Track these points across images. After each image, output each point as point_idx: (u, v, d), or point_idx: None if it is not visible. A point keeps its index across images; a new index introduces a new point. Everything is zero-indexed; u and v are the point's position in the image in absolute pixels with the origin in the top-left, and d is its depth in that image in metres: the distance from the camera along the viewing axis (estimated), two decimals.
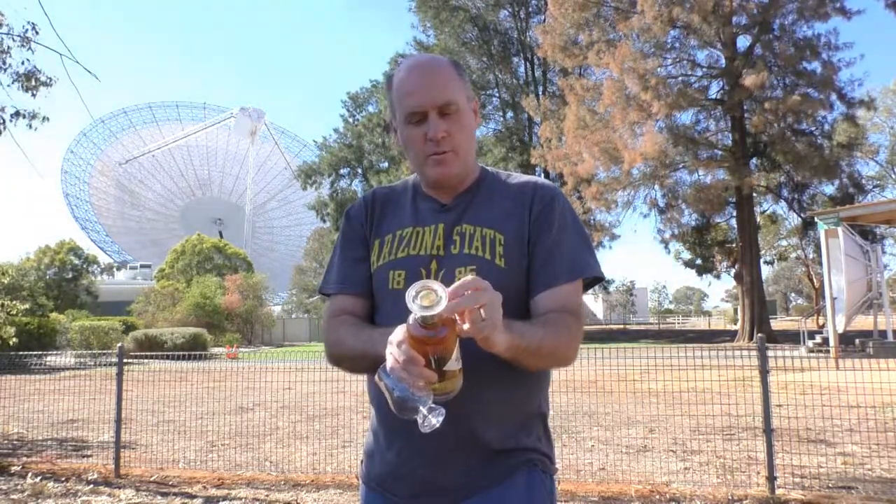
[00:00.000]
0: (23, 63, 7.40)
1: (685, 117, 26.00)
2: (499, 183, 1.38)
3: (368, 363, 1.18)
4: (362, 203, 1.43)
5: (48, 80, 7.43)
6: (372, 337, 1.19)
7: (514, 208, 1.32)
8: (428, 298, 0.98)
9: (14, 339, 16.11)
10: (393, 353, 1.03)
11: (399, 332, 1.03)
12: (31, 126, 7.45)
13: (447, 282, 1.24)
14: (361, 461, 1.39)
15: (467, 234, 1.29)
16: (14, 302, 18.87)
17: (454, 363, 1.06)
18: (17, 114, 7.39)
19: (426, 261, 1.29)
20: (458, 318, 1.02)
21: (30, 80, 7.36)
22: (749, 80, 21.15)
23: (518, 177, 1.40)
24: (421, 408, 1.00)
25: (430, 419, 1.00)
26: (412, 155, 1.32)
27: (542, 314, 1.24)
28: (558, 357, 1.22)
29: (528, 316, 1.26)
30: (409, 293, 0.99)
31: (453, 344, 1.04)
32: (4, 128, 7.36)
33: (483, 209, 1.33)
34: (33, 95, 7.44)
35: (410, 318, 1.00)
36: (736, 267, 26.76)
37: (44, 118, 7.50)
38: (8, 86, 7.33)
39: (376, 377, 1.05)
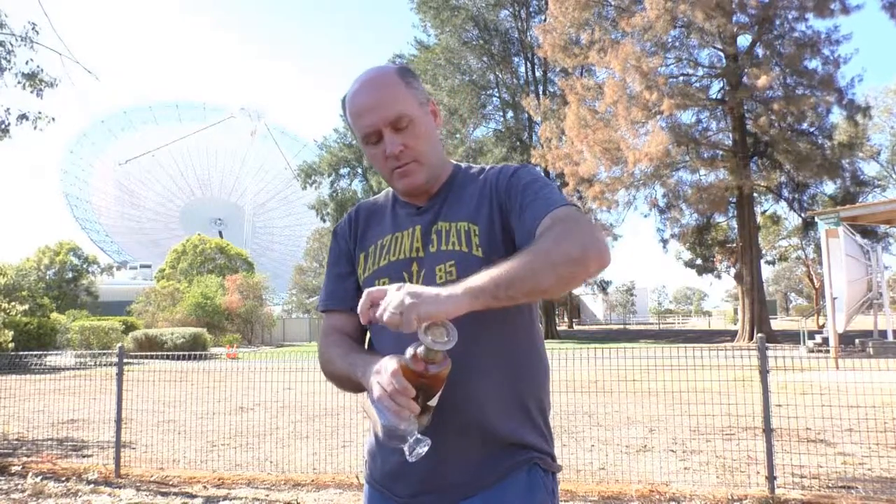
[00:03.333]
0: (27, 63, 7.40)
1: (686, 117, 26.05)
2: (469, 176, 1.39)
3: (352, 385, 1.23)
4: (347, 219, 1.48)
5: (52, 81, 7.42)
6: (354, 362, 1.23)
7: (483, 193, 1.33)
8: (439, 333, 1.01)
9: (11, 344, 16.11)
10: (381, 382, 1.05)
11: (391, 363, 1.05)
12: (35, 127, 7.45)
13: (428, 280, 1.27)
14: (365, 461, 1.40)
15: (443, 232, 1.31)
16: (12, 304, 18.92)
17: (435, 399, 1.09)
18: (22, 116, 7.38)
19: (407, 264, 1.31)
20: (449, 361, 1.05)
21: (34, 80, 7.36)
22: (761, 81, 21.10)
23: (490, 167, 1.41)
24: (409, 438, 1.03)
25: (418, 449, 1.04)
26: (379, 171, 1.35)
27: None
28: (564, 256, 1.05)
29: None
30: (421, 327, 1.00)
31: (443, 381, 1.07)
32: (8, 134, 7.36)
33: (456, 204, 1.34)
34: (39, 96, 7.43)
35: (411, 350, 1.03)
36: (736, 267, 26.76)
37: (50, 118, 7.48)
38: (14, 85, 7.33)
39: (364, 403, 1.08)
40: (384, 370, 1.06)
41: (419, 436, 1.04)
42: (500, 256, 1.24)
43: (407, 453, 1.03)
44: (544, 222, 1.16)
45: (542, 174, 1.39)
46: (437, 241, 1.30)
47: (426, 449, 1.04)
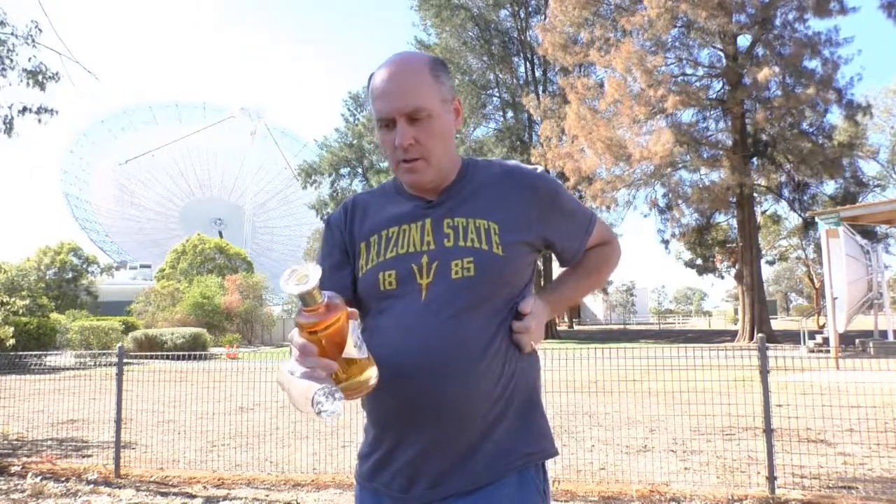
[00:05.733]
0: (29, 60, 7.42)
1: (686, 116, 26.05)
2: (483, 172, 1.38)
3: None
4: (342, 209, 1.44)
5: (54, 75, 7.44)
6: None
7: (508, 194, 1.33)
8: (298, 276, 1.01)
9: (12, 340, 16.11)
10: (292, 349, 1.05)
11: (295, 331, 1.05)
12: (39, 121, 7.47)
13: (443, 275, 1.26)
14: (357, 460, 1.39)
15: (460, 227, 1.29)
16: (13, 299, 18.92)
17: (354, 350, 1.06)
18: (24, 109, 7.39)
19: (417, 257, 1.28)
20: (344, 305, 1.04)
21: (37, 77, 7.37)
22: (760, 75, 21.13)
23: (500, 164, 1.41)
24: (314, 394, 0.96)
25: (327, 405, 0.97)
26: (386, 158, 1.34)
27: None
28: (603, 276, 1.52)
29: (523, 287, 1.33)
30: (282, 278, 1.01)
31: (344, 328, 1.04)
32: (11, 128, 7.37)
33: (473, 201, 1.33)
34: (42, 89, 7.44)
35: (299, 308, 1.03)
36: (736, 267, 26.75)
37: (52, 111, 7.49)
38: (18, 84, 7.34)
39: (279, 377, 1.05)
40: (291, 338, 1.06)
41: (331, 388, 0.97)
42: (518, 253, 1.29)
43: (317, 411, 0.96)
44: (598, 234, 1.47)
45: (558, 182, 1.47)
46: (453, 235, 1.28)
47: (339, 404, 0.97)
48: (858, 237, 16.77)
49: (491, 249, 1.26)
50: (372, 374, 1.09)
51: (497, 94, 35.73)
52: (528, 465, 1.27)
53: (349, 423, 6.92)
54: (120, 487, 4.82)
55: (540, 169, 1.40)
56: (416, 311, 1.24)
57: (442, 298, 1.23)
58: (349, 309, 1.06)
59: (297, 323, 1.03)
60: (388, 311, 1.28)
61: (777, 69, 22.43)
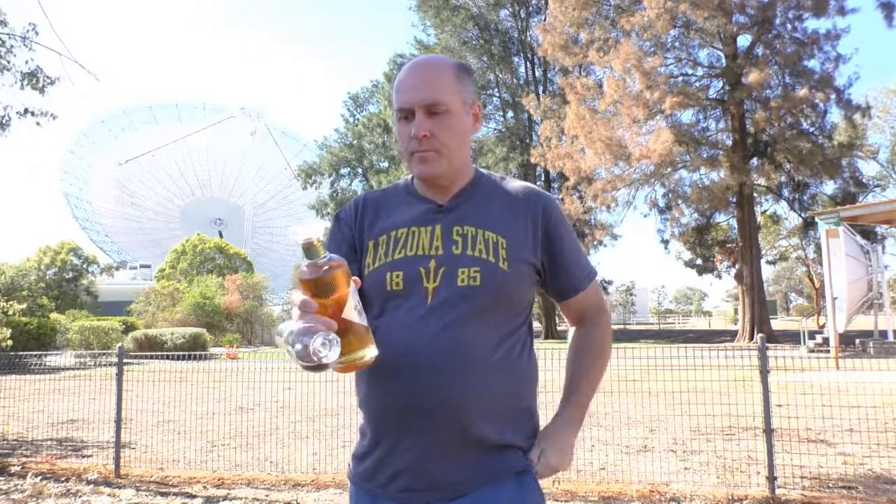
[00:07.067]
0: (27, 62, 7.42)
1: (686, 116, 26.03)
2: (495, 186, 1.41)
3: None
4: (352, 206, 1.45)
5: (53, 80, 7.45)
6: None
7: (518, 213, 1.35)
8: (304, 231, 1.06)
9: (9, 342, 16.09)
10: (293, 309, 1.07)
11: (297, 291, 1.08)
12: (38, 123, 7.49)
13: (450, 281, 1.27)
14: (349, 463, 1.38)
15: (469, 236, 1.30)
16: (11, 303, 18.90)
17: (354, 314, 1.07)
18: (25, 111, 7.40)
19: (425, 261, 1.29)
20: (347, 267, 1.07)
21: (35, 79, 7.38)
22: (752, 77, 21.17)
23: (512, 181, 1.43)
24: (310, 343, 0.99)
25: (324, 350, 0.99)
26: (401, 149, 1.36)
27: (576, 317, 1.48)
28: (607, 358, 1.47)
29: (525, 307, 1.34)
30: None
31: (344, 287, 1.06)
32: (9, 128, 7.38)
33: (483, 212, 1.34)
34: (41, 93, 7.45)
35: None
36: (736, 267, 26.75)
37: (52, 115, 7.52)
38: (12, 85, 7.35)
39: (275, 334, 1.09)
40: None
41: (325, 333, 1.00)
42: (522, 272, 1.31)
43: (318, 356, 0.99)
44: (587, 296, 1.44)
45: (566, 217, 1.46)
46: (461, 243, 1.30)
47: (334, 352, 1.00)
48: (858, 237, 16.78)
49: (497, 263, 1.28)
50: (368, 352, 1.11)
51: (497, 95, 35.72)
52: (527, 472, 1.28)
53: (349, 423, 6.92)
54: (120, 487, 4.82)
55: (552, 197, 1.43)
56: (421, 313, 1.25)
57: (447, 304, 1.25)
58: (353, 276, 1.09)
59: (299, 280, 1.05)
60: (392, 312, 1.29)
61: (775, 69, 22.44)
